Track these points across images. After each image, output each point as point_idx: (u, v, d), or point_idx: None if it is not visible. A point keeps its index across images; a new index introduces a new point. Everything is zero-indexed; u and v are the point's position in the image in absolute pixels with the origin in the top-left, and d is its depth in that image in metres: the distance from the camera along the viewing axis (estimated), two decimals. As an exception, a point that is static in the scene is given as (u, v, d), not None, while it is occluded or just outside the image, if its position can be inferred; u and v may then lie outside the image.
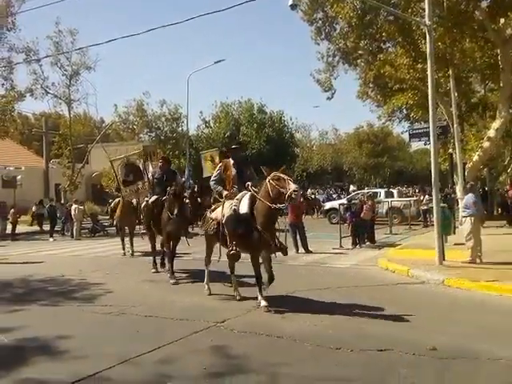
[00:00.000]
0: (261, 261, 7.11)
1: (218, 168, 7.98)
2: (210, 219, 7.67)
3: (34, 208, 23.14)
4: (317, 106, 63.76)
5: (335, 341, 5.33)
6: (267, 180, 6.73)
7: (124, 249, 13.93)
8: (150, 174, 10.83)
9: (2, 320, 6.56)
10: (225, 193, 7.48)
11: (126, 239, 13.99)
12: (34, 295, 8.32)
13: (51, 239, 19.85)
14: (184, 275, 9.93)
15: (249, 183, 7.27)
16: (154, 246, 10.77)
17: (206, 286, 8.01)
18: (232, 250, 6.99)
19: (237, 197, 7.16)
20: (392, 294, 8.07)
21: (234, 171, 7.66)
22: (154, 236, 10.70)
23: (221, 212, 7.31)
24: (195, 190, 22.40)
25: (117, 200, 14.81)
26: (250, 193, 7.09)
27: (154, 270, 10.41)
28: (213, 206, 7.97)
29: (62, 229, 22.09)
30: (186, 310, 6.87)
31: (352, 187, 34.31)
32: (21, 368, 4.75)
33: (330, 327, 5.96)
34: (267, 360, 4.84)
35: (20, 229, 21.89)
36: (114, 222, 16.10)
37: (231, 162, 7.81)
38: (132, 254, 13.50)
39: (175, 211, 9.04)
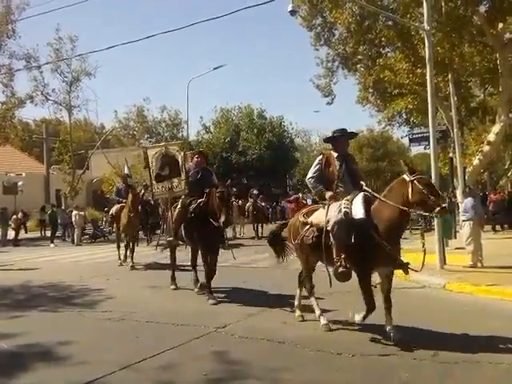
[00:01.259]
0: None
1: (316, 162, 6.27)
2: (306, 225, 6.10)
3: (19, 215, 22.71)
4: (317, 110, 63.56)
5: (336, 346, 5.32)
6: (409, 180, 5.37)
7: (126, 258, 12.84)
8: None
9: (2, 326, 6.54)
10: (329, 193, 5.93)
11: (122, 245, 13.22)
12: (35, 301, 8.31)
13: (52, 245, 19.86)
14: (185, 281, 9.90)
15: (362, 182, 5.95)
16: (175, 258, 9.35)
17: (323, 320, 6.17)
18: (341, 265, 5.50)
19: (346, 198, 5.68)
20: (393, 299, 8.04)
21: (338, 166, 6.06)
22: (176, 247, 9.34)
23: (324, 216, 5.79)
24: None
25: (118, 206, 13.42)
26: (362, 193, 5.70)
27: (173, 287, 9.07)
28: (305, 209, 6.52)
29: (63, 235, 22.12)
30: (187, 316, 6.85)
31: None
32: (20, 374, 4.74)
33: (331, 332, 5.94)
34: (268, 365, 4.83)
35: (20, 235, 21.91)
36: (114, 229, 14.57)
37: (334, 154, 6.16)
38: (132, 267, 12.18)
39: (222, 218, 7.55)
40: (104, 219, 22.71)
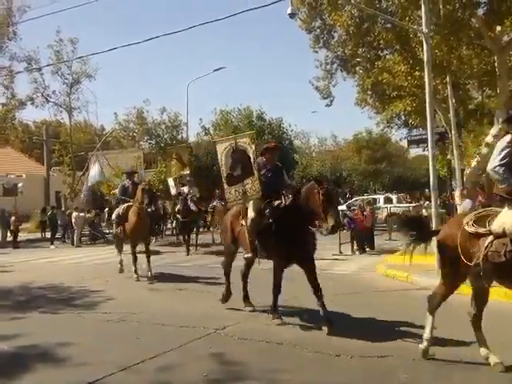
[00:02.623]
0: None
1: (504, 145, 4.61)
2: (486, 236, 4.49)
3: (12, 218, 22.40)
4: (314, 111, 63.78)
5: (335, 347, 5.36)
6: None
7: (136, 272, 10.46)
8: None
9: (2, 327, 6.58)
10: None
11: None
12: (35, 302, 8.34)
13: (52, 246, 19.89)
14: (185, 283, 9.93)
15: None
16: (229, 274, 7.72)
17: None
18: None
19: None
20: (392, 301, 8.09)
21: None
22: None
23: None
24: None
25: (125, 205, 11.01)
26: None
27: (250, 309, 7.34)
28: (468, 216, 4.78)
29: (63, 236, 22.17)
30: (186, 317, 6.87)
31: None
32: (21, 375, 4.78)
33: (329, 334, 5.97)
34: (267, 366, 4.86)
35: (21, 236, 21.96)
36: (117, 232, 11.37)
37: None
38: (151, 280, 10.09)
39: (331, 221, 5.87)
40: (94, 220, 22.45)
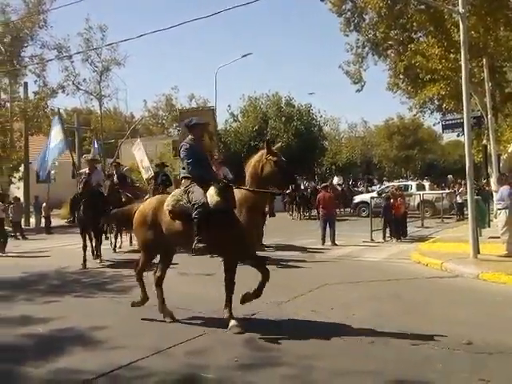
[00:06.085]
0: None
1: None
2: None
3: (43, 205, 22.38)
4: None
5: (368, 335, 5.28)
6: None
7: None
8: None
9: (37, 311, 6.70)
10: None
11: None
12: (69, 287, 8.50)
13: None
14: (213, 269, 9.94)
15: None
16: None
17: None
18: None
19: None
20: (425, 288, 7.95)
21: None
22: None
23: None
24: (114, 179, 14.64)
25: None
26: None
27: None
28: None
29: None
30: (216, 303, 6.85)
31: (336, 179, 31.34)
32: (57, 358, 4.86)
33: (363, 321, 5.89)
34: (299, 353, 4.82)
35: (53, 222, 22.43)
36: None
37: None
38: None
39: None
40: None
